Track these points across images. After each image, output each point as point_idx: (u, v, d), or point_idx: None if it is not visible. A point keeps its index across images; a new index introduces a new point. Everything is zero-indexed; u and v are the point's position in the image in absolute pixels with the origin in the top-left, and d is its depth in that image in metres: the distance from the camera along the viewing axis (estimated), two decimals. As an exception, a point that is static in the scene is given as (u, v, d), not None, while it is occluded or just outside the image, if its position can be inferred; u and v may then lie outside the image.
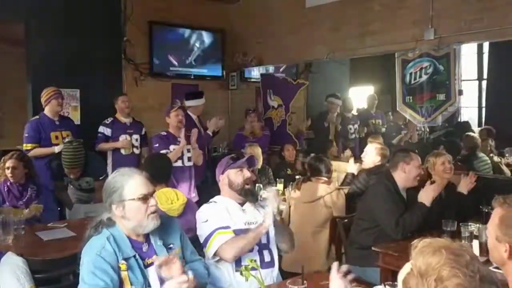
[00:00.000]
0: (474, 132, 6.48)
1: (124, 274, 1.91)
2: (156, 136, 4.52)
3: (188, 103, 5.17)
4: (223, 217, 2.44)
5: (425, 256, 0.99)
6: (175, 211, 2.85)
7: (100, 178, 4.19)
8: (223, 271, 2.41)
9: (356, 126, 6.56)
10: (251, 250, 2.42)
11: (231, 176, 2.53)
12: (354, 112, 6.85)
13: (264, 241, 2.49)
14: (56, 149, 4.33)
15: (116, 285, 1.88)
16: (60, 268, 2.68)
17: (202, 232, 2.44)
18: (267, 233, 2.51)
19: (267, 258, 2.47)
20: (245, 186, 2.51)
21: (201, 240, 2.44)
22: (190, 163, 4.59)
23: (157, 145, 4.42)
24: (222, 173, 2.57)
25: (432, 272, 0.95)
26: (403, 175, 3.18)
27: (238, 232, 2.40)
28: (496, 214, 1.61)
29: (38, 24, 5.19)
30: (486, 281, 0.95)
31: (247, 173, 2.53)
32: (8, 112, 6.49)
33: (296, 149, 5.77)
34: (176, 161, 4.41)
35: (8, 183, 3.62)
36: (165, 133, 4.50)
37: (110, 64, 5.67)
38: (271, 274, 2.46)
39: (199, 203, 2.71)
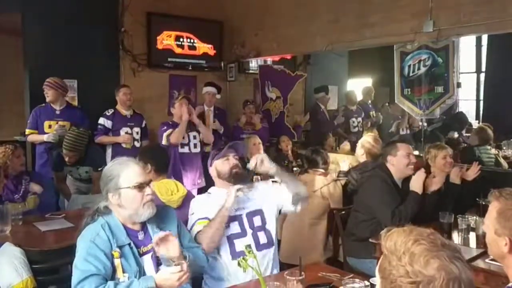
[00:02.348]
0: (471, 125, 6.53)
1: (117, 261, 1.93)
2: (163, 123, 4.68)
3: (203, 90, 5.55)
4: (208, 210, 2.45)
5: (391, 237, 1.11)
6: (174, 203, 2.86)
7: (99, 169, 4.20)
8: (220, 260, 2.42)
9: (359, 119, 6.56)
10: (244, 235, 2.44)
11: (218, 166, 2.56)
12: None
13: (258, 223, 2.51)
14: (45, 137, 4.40)
15: (109, 272, 1.90)
16: (58, 259, 2.69)
17: (189, 223, 2.48)
18: (262, 214, 2.54)
19: (263, 239, 2.48)
20: (232, 171, 2.52)
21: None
22: (197, 150, 4.69)
23: (164, 128, 4.57)
24: (210, 165, 2.61)
25: (400, 247, 1.07)
26: (393, 167, 3.22)
27: (229, 220, 2.42)
28: (493, 207, 1.60)
29: (35, 14, 5.14)
30: (448, 248, 1.06)
31: (233, 160, 2.55)
32: (5, 103, 6.46)
33: (292, 141, 5.77)
34: (182, 147, 4.51)
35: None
36: (170, 122, 4.65)
37: (107, 55, 5.64)
38: (268, 255, 2.48)
39: (206, 189, 2.75)
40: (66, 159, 4.02)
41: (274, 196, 2.60)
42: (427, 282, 1.01)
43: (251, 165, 2.46)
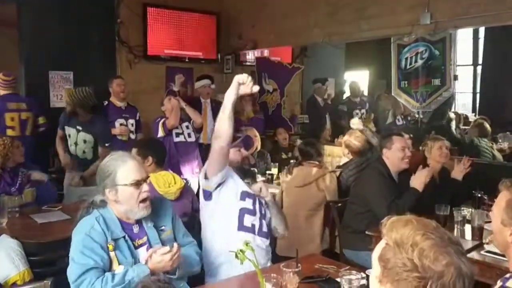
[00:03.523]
0: (467, 117, 6.55)
1: (112, 254, 1.94)
2: (157, 116, 4.76)
3: (195, 85, 5.53)
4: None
5: (397, 229, 1.07)
6: (172, 195, 2.87)
7: (106, 144, 4.17)
8: (225, 230, 2.47)
9: (363, 111, 6.55)
10: (253, 214, 2.50)
11: (230, 155, 2.57)
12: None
13: (263, 212, 2.59)
14: None
15: (107, 264, 1.92)
16: (55, 251, 2.69)
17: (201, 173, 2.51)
18: (267, 208, 2.58)
19: (264, 228, 2.56)
20: (243, 165, 2.63)
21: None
22: (192, 139, 4.76)
23: (158, 119, 4.67)
24: None
25: (407, 240, 1.04)
26: (389, 161, 3.22)
27: (246, 195, 2.49)
28: (503, 197, 1.62)
29: (31, 5, 5.10)
30: (453, 242, 1.05)
31: (245, 152, 2.64)
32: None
33: (289, 133, 5.77)
34: (177, 136, 4.57)
35: None
36: (165, 118, 4.71)
37: (103, 47, 5.60)
38: (265, 245, 2.55)
39: None
40: (68, 108, 4.12)
41: None
42: (436, 278, 1.00)
43: (254, 189, 2.52)
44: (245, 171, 2.61)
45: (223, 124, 2.28)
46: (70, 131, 4.14)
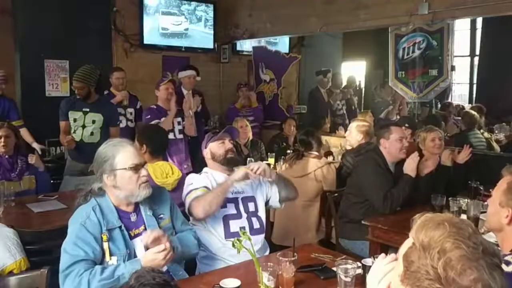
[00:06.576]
0: (464, 107, 6.55)
1: (105, 245, 1.93)
2: (147, 109, 4.57)
3: (179, 74, 5.22)
4: (207, 182, 2.50)
5: (427, 229, 0.98)
6: (169, 185, 2.87)
7: (118, 122, 4.15)
8: (214, 239, 2.46)
9: (343, 101, 6.56)
10: (239, 217, 2.49)
11: (213, 149, 2.59)
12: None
13: (252, 209, 2.56)
14: None
15: (98, 256, 1.90)
16: (51, 240, 2.68)
17: (184, 192, 2.51)
18: (255, 201, 2.59)
19: (256, 225, 2.54)
20: (227, 155, 2.57)
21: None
22: (181, 136, 4.64)
23: (148, 116, 4.46)
24: (205, 147, 2.64)
25: (435, 244, 0.95)
26: (386, 151, 3.22)
27: (226, 201, 2.47)
28: (505, 180, 1.64)
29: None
30: (488, 253, 0.94)
31: (228, 144, 2.60)
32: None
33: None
34: (167, 133, 4.45)
35: None
36: (155, 107, 4.54)
37: (99, 35, 5.54)
38: (260, 240, 2.54)
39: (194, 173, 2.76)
40: (76, 91, 4.00)
41: (265, 187, 2.66)
42: None
43: (237, 176, 2.44)
44: (231, 161, 2.57)
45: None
46: (75, 115, 4.00)
